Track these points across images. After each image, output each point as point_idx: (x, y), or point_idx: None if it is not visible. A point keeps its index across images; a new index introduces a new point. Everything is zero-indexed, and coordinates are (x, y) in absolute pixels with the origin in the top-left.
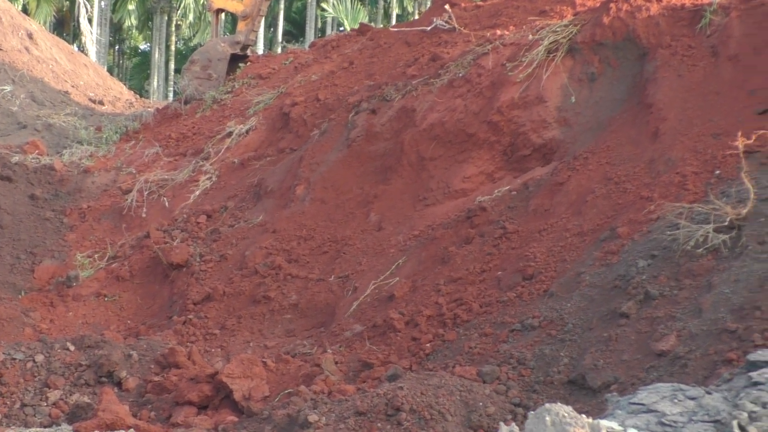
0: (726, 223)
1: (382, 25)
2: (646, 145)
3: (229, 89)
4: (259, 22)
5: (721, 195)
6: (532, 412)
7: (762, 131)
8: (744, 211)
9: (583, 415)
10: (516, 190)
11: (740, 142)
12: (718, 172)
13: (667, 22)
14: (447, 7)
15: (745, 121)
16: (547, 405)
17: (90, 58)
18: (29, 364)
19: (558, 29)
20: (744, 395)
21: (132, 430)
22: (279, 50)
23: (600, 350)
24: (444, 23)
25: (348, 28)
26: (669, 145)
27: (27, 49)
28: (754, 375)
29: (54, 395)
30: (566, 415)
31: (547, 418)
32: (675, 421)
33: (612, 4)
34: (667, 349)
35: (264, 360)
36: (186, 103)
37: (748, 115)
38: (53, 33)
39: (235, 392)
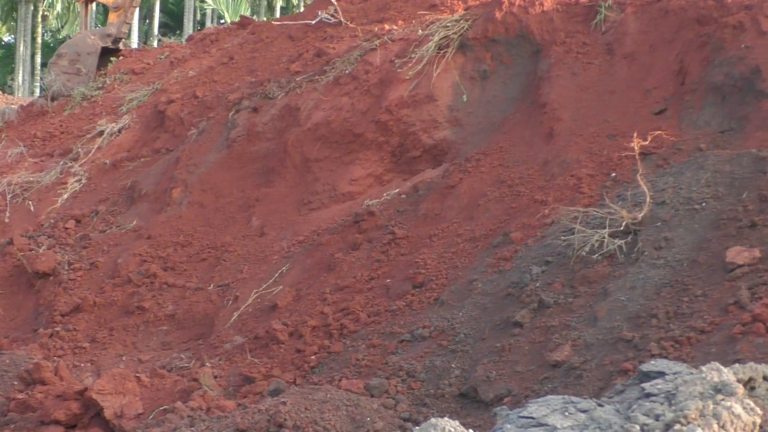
0: (622, 228)
1: (265, 18)
2: (540, 147)
3: (100, 85)
4: (132, 14)
5: (617, 198)
6: (417, 428)
7: (658, 132)
8: (640, 216)
9: (471, 430)
10: (405, 194)
11: (636, 144)
12: (613, 174)
13: (561, 18)
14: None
15: (641, 121)
16: (433, 420)
17: None
18: None
19: (449, 24)
20: (636, 407)
21: None
22: (155, 44)
23: (493, 361)
24: (329, 17)
25: (229, 21)
26: (563, 147)
27: None
28: (647, 386)
29: None
30: (453, 430)
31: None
32: None
33: None
34: (562, 360)
35: (138, 375)
36: (53, 99)
37: (645, 115)
38: None
39: (106, 410)
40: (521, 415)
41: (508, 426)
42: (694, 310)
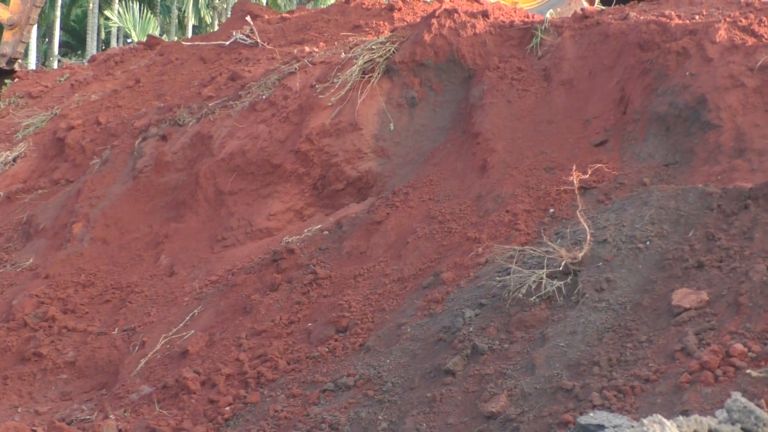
0: (561, 268)
1: (176, 38)
2: (473, 180)
3: None
4: (29, 32)
5: (556, 236)
6: None
7: (599, 165)
8: (580, 255)
9: None
10: (328, 230)
11: (575, 177)
12: (552, 210)
13: (494, 42)
14: (248, 18)
15: (580, 153)
16: None
17: None
18: None
19: (374, 47)
20: None
21: None
22: (55, 65)
23: (423, 413)
24: (245, 37)
25: (136, 41)
26: (498, 180)
27: None
28: None
29: None
30: None
31: None
32: None
33: (434, 20)
34: (498, 411)
35: (34, 428)
36: None
37: (584, 147)
38: None
39: None
40: None
41: None
42: (639, 357)
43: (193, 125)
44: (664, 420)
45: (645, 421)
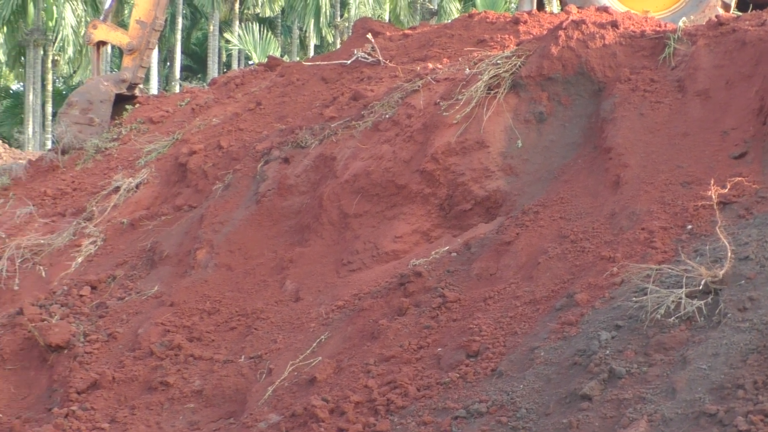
0: (701, 288)
1: (297, 58)
2: (606, 197)
3: (115, 136)
4: (149, 56)
5: (695, 254)
6: None
7: (738, 178)
8: (721, 273)
9: None
10: (456, 252)
11: (714, 192)
12: (690, 227)
13: (625, 53)
14: (369, 36)
15: (718, 166)
16: None
17: None
18: None
19: (499, 62)
20: None
21: None
22: (177, 89)
23: None
24: (366, 56)
25: (256, 62)
26: (632, 196)
27: None
28: None
29: None
30: None
31: None
32: None
33: (561, 32)
34: None
35: None
36: (64, 153)
37: (722, 160)
38: None
39: None
40: None
41: None
42: None
43: (316, 147)
44: None
45: None
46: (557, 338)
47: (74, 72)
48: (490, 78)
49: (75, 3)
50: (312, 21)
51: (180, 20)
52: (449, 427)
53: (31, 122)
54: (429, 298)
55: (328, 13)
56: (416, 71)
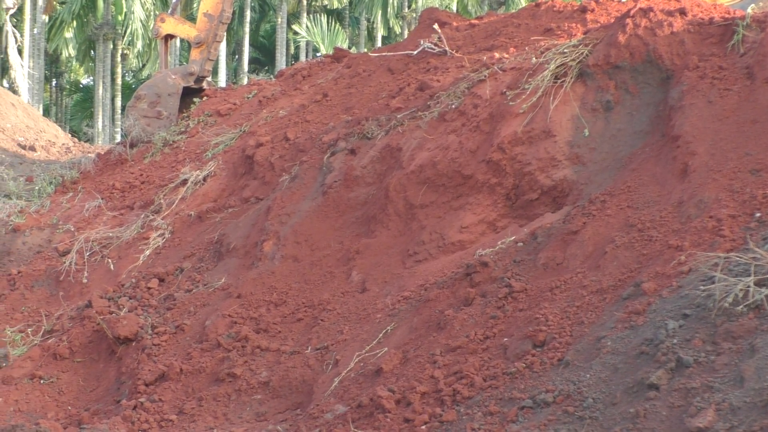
0: None
1: (365, 50)
2: (673, 185)
3: (183, 129)
4: (217, 49)
5: (763, 242)
6: None
7: None
8: None
9: None
10: (523, 241)
11: None
12: (758, 214)
13: (693, 40)
14: (436, 26)
15: None
16: None
17: (20, 96)
18: None
19: (566, 50)
20: None
21: None
22: (245, 81)
23: (626, 429)
24: (433, 46)
25: (324, 54)
26: (700, 185)
27: None
28: None
29: None
30: None
31: None
32: None
33: (629, 20)
34: (705, 426)
35: None
36: (132, 146)
37: None
38: None
39: None
40: None
41: None
42: None
43: (382, 138)
44: None
45: None
46: (624, 327)
47: (143, 66)
48: (557, 67)
49: None
50: (379, 12)
51: (248, 13)
52: (515, 417)
53: (100, 116)
54: (495, 288)
55: (395, 4)
56: (482, 61)
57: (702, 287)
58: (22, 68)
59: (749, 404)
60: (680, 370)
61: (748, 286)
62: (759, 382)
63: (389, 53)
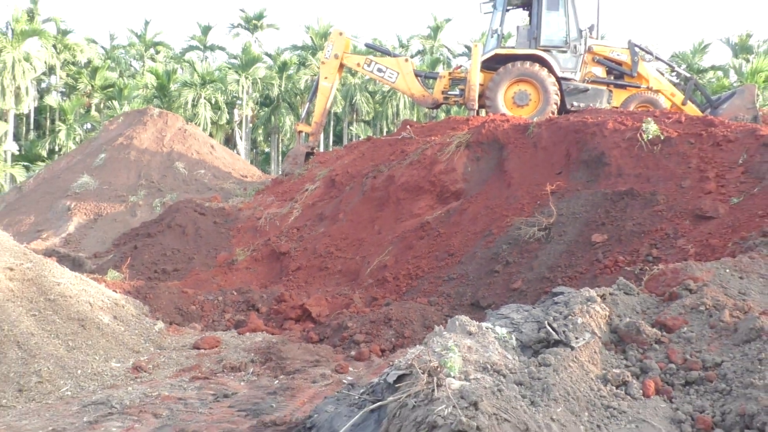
0: (543, 227)
1: (379, 136)
2: (503, 190)
3: (306, 168)
4: (319, 135)
5: (541, 213)
6: (450, 319)
7: (558, 182)
8: (551, 220)
9: (474, 321)
10: (444, 212)
11: (548, 188)
12: (539, 202)
13: (512, 130)
14: (408, 127)
15: (550, 178)
16: (457, 316)
17: (241, 155)
18: (215, 301)
19: (461, 136)
20: (551, 308)
21: (264, 332)
22: (330, 148)
23: (485, 288)
24: (407, 135)
25: (362, 137)
26: (515, 190)
27: (210, 152)
28: (556, 299)
29: (227, 316)
30: (465, 320)
31: (456, 323)
32: (518, 322)
33: (486, 123)
34: (517, 287)
35: (326, 297)
36: (286, 175)
37: (551, 175)
38: (224, 144)
39: (313, 312)
40: (498, 313)
41: (492, 319)
42: (579, 267)
43: (386, 172)
44: (590, 289)
45: (581, 290)
46: (484, 247)
47: (290, 143)
48: (457, 142)
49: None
50: (385, 120)
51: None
52: (441, 284)
53: (273, 163)
54: (433, 232)
55: (391, 115)
56: (428, 140)
57: (516, 231)
58: (241, 141)
59: (536, 277)
60: (507, 264)
61: (534, 231)
62: (540, 270)
63: (389, 138)
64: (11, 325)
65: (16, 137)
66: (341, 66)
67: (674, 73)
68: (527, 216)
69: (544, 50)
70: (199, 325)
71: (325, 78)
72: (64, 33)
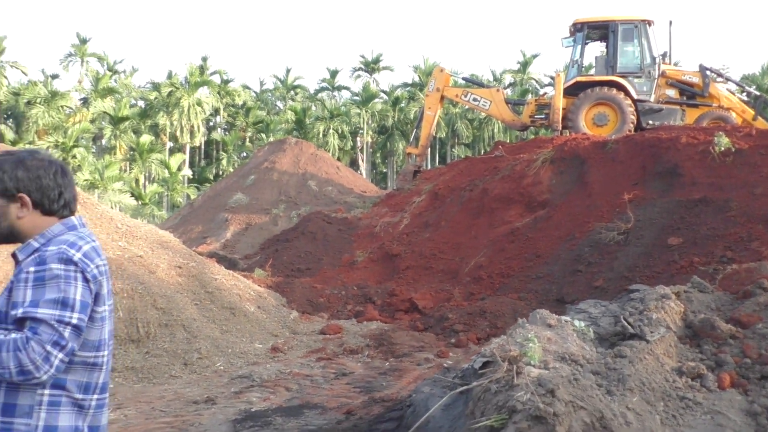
0: (622, 231)
1: (477, 155)
2: (585, 200)
3: (414, 184)
4: (424, 156)
5: (619, 219)
6: (532, 312)
7: (635, 191)
8: (630, 225)
9: (554, 314)
10: (531, 219)
11: (626, 197)
12: (617, 209)
13: (592, 147)
14: (500, 147)
15: (628, 188)
16: (538, 309)
17: (362, 175)
18: (339, 295)
19: (546, 153)
20: (627, 304)
21: (378, 321)
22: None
23: (569, 285)
24: (499, 154)
25: (462, 156)
26: (595, 199)
27: (336, 172)
28: (632, 295)
29: (349, 307)
30: (546, 314)
31: (538, 316)
32: (596, 316)
33: (567, 142)
34: (598, 285)
35: (430, 292)
36: (397, 190)
37: (628, 186)
38: (349, 166)
39: (419, 305)
40: (577, 308)
41: (571, 313)
42: (656, 268)
43: (481, 185)
44: (665, 287)
45: (656, 287)
46: (568, 249)
47: (402, 163)
48: (543, 159)
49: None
50: (481, 143)
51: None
52: (530, 281)
53: (389, 181)
54: (522, 237)
55: (487, 138)
56: (517, 157)
57: (597, 235)
58: (362, 162)
59: (617, 277)
60: (589, 264)
61: (614, 234)
62: (620, 270)
63: (485, 157)
64: (179, 312)
65: (191, 165)
66: (442, 97)
67: (744, 93)
68: (607, 222)
69: (621, 76)
70: (325, 315)
71: (429, 108)
72: (226, 82)
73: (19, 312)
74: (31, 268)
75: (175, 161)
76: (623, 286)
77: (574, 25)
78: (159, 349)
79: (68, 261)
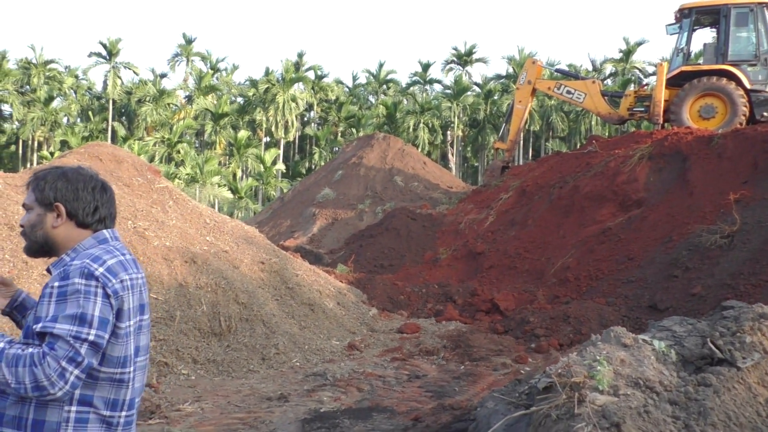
0: (725, 234)
1: (570, 150)
2: (686, 199)
3: (501, 180)
4: (513, 152)
5: (723, 221)
6: (605, 330)
7: (741, 191)
8: (735, 228)
9: (632, 334)
10: (625, 219)
11: (732, 197)
12: (722, 211)
13: (696, 142)
14: (594, 142)
15: (734, 187)
16: (612, 327)
17: (452, 170)
18: (420, 293)
19: (644, 149)
20: (718, 323)
21: (457, 321)
22: (521, 162)
23: (663, 291)
24: (592, 149)
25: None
26: (697, 199)
27: (423, 167)
28: (725, 313)
29: (429, 305)
30: (621, 332)
31: (612, 334)
32: (680, 335)
33: (668, 136)
34: (696, 293)
35: (513, 293)
36: (484, 186)
37: (737, 184)
38: (439, 160)
39: (501, 306)
40: (660, 325)
41: (652, 330)
42: (764, 275)
43: (572, 182)
44: (763, 305)
45: (753, 305)
46: (664, 253)
47: (494, 157)
48: (639, 155)
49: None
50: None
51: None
52: (620, 286)
53: (479, 177)
54: (614, 237)
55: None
56: (611, 153)
57: (697, 238)
58: (452, 157)
59: (716, 284)
60: (687, 270)
61: (716, 237)
62: (723, 274)
63: (576, 152)
64: (260, 307)
65: (285, 159)
66: (534, 90)
67: None
68: (709, 224)
69: (733, 65)
70: (405, 312)
71: (519, 101)
72: (320, 77)
73: (38, 326)
74: (56, 283)
75: (269, 156)
76: (724, 295)
77: (681, 10)
78: (239, 344)
79: (89, 276)
